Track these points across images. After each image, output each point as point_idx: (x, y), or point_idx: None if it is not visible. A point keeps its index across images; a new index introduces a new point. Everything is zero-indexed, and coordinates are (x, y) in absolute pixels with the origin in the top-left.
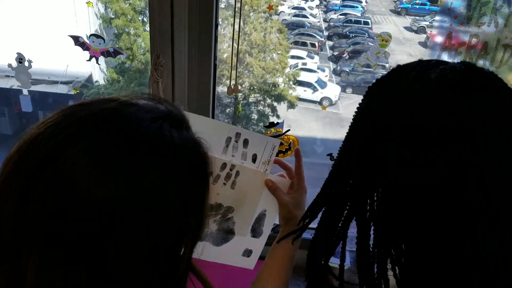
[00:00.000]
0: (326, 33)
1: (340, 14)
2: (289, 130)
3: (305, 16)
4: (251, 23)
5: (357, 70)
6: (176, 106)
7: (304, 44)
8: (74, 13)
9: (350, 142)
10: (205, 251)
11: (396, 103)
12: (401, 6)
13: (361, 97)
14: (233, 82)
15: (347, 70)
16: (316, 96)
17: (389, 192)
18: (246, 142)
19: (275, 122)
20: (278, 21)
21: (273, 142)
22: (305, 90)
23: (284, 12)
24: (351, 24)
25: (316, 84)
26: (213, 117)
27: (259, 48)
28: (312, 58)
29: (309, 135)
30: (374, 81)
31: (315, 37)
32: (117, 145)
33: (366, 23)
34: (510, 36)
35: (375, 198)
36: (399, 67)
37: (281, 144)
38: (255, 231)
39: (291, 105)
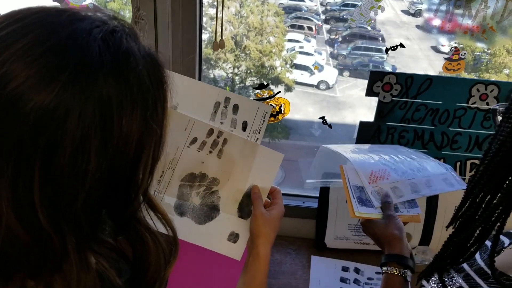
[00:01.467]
0: (323, 17)
1: None
2: (279, 92)
3: (301, 0)
4: (247, 6)
5: (355, 53)
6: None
7: (301, 27)
8: None
9: None
10: (186, 230)
11: None
12: None
13: (359, 80)
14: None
15: (344, 53)
16: (313, 80)
17: None
18: (236, 108)
19: (265, 84)
20: (275, 5)
21: (264, 108)
22: (302, 74)
23: None
24: (348, 8)
25: (313, 68)
26: (200, 77)
27: (256, 31)
28: (309, 41)
29: (306, 118)
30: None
31: (312, 20)
32: (62, 47)
33: None
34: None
35: None
36: None
37: (273, 107)
38: (243, 211)
39: (288, 89)
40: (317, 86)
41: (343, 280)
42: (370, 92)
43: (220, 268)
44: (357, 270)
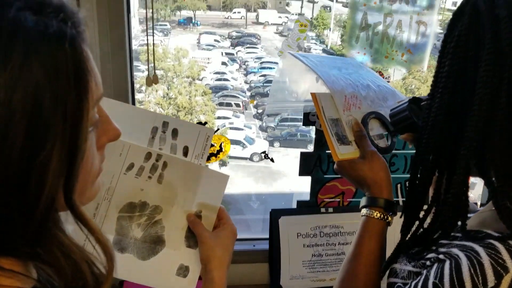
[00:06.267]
0: (248, 93)
1: (260, 76)
2: (218, 129)
3: (226, 80)
4: (175, 88)
5: (282, 125)
6: None
7: (229, 104)
8: None
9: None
10: (129, 268)
11: None
12: None
13: (289, 149)
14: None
15: (273, 125)
16: (246, 153)
17: None
18: (175, 133)
19: (203, 122)
20: (202, 85)
21: (206, 131)
22: (234, 148)
23: (206, 77)
24: (270, 84)
25: (244, 141)
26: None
27: (186, 110)
28: (238, 117)
29: (243, 191)
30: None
31: (238, 97)
32: None
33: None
34: (422, 13)
35: None
36: None
37: (212, 146)
38: (190, 239)
39: (223, 163)
40: (251, 159)
41: None
42: (306, 122)
43: None
44: None
